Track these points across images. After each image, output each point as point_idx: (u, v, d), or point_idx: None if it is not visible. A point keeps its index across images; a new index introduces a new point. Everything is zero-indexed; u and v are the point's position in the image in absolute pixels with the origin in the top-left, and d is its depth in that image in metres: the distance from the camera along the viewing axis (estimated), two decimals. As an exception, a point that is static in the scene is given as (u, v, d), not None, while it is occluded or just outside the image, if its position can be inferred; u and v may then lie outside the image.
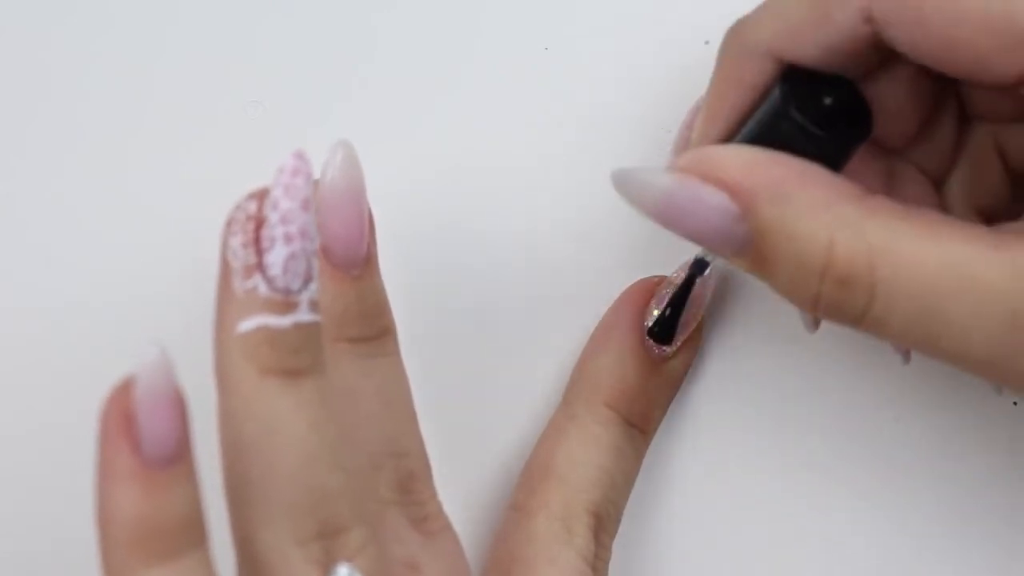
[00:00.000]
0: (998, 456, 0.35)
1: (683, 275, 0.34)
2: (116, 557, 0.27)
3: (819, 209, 0.28)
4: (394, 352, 0.34)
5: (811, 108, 0.29)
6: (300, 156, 0.29)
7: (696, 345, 0.36)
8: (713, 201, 0.29)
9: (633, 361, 0.35)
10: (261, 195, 0.29)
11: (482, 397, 0.37)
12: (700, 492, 0.37)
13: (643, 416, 0.35)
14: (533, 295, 0.37)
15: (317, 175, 0.31)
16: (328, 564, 0.29)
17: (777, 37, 0.30)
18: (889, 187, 0.33)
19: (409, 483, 0.33)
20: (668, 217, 0.29)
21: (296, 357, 0.29)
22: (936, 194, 0.33)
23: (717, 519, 0.37)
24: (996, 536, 0.36)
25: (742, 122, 0.31)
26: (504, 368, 0.37)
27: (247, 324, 0.29)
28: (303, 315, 0.29)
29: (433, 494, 0.33)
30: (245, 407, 0.29)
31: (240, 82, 0.37)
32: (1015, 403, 0.36)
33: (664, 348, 0.35)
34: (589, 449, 0.35)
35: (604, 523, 0.35)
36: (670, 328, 0.35)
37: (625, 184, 0.30)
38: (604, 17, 0.37)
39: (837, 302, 0.28)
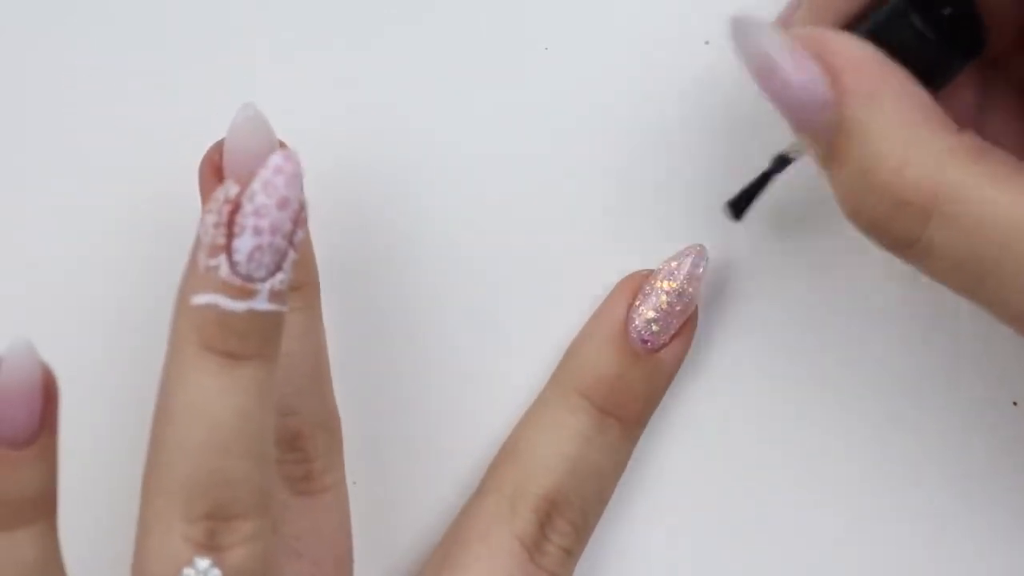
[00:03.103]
0: (998, 456, 0.35)
1: (765, 168, 0.34)
2: None
3: (905, 127, 0.28)
4: (299, 308, 0.34)
5: (930, 16, 0.30)
6: (287, 156, 0.30)
7: (688, 339, 0.36)
8: (812, 79, 0.29)
9: (611, 350, 0.35)
10: (244, 181, 0.30)
11: (477, 390, 0.37)
12: (696, 492, 0.37)
13: (620, 406, 0.35)
14: (531, 291, 0.37)
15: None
16: (209, 547, 0.30)
17: None
18: (980, 95, 0.33)
19: (294, 442, 0.34)
20: (765, 76, 0.29)
21: (240, 342, 0.30)
22: None
23: (713, 519, 0.37)
24: (996, 536, 0.36)
25: (848, 19, 0.30)
26: (501, 361, 0.37)
27: (201, 299, 0.30)
28: (259, 303, 0.30)
29: (321, 455, 0.34)
30: (179, 375, 0.31)
31: (238, 81, 0.37)
32: (1015, 403, 0.36)
33: (648, 342, 0.35)
34: (552, 434, 0.35)
35: (561, 510, 0.35)
36: (746, 202, 0.35)
37: (739, 30, 0.30)
38: (604, 17, 0.37)
39: (889, 221, 0.28)
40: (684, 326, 0.35)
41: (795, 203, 0.36)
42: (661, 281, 0.35)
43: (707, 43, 0.36)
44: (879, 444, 0.36)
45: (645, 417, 0.36)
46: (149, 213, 0.37)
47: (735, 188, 0.35)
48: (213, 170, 0.33)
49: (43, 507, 0.31)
